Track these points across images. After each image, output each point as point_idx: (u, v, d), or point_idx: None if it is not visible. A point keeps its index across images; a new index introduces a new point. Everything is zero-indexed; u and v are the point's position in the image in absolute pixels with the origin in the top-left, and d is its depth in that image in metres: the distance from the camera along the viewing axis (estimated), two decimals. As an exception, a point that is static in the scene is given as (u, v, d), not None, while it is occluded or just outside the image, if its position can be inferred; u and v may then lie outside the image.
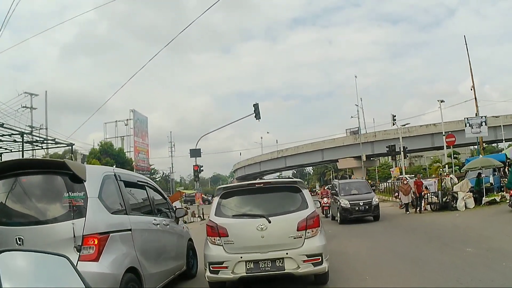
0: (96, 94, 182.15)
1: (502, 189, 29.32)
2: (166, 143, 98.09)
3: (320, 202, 33.07)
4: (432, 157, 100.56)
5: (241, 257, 9.22)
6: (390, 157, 62.13)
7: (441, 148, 58.08)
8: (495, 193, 28.63)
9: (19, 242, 6.80)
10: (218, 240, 9.48)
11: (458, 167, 48.75)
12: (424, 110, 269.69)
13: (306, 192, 10.13)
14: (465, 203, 27.13)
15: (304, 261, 9.19)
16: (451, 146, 41.41)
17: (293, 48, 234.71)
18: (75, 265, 3.04)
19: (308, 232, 9.41)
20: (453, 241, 15.20)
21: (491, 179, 30.42)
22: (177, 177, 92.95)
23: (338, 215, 26.77)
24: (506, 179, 29.72)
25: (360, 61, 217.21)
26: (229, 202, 10.05)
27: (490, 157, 33.24)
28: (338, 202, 26.81)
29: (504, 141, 63.43)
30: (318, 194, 41.04)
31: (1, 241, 6.77)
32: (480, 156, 35.94)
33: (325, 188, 37.50)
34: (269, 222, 9.27)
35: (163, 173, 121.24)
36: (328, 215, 32.17)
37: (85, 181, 7.40)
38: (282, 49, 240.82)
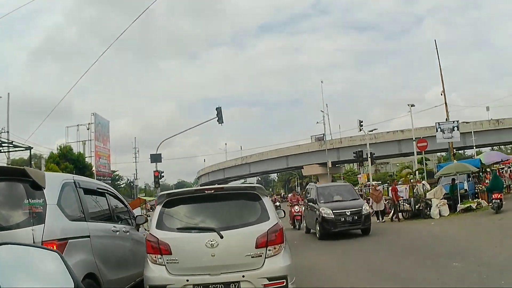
0: (63, 99, 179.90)
1: (477, 195, 28.64)
2: (131, 149, 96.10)
3: (289, 212, 30.50)
4: (398, 164, 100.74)
5: (187, 280, 7.64)
6: (356, 164, 61.72)
7: (408, 154, 57.92)
8: (470, 199, 27.64)
9: None
10: (160, 258, 7.86)
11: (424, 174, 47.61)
12: (390, 118, 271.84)
13: (267, 201, 8.55)
14: (439, 210, 26.23)
15: (265, 285, 7.62)
16: (423, 152, 40.55)
17: (259, 55, 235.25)
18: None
19: (269, 250, 7.84)
20: (436, 254, 13.84)
21: (466, 185, 29.31)
22: (142, 183, 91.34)
23: (317, 227, 22.14)
24: (482, 185, 29.06)
25: (326, 69, 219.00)
26: (174, 212, 8.42)
27: (464, 162, 32.16)
28: (317, 212, 21.96)
29: (474, 147, 63.10)
30: (288, 201, 36.45)
31: None
32: (454, 161, 34.96)
33: (296, 194, 34.71)
34: (221, 237, 7.65)
35: (128, 179, 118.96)
36: (299, 227, 28.76)
37: (44, 188, 7.46)
38: (248, 56, 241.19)
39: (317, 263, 14.45)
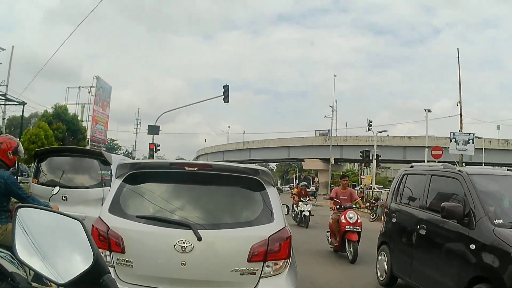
0: (72, 63, 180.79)
1: None
2: (134, 120, 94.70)
3: (293, 208, 25.10)
4: (399, 170, 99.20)
5: None
6: (357, 164, 60.10)
7: (412, 162, 56.20)
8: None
9: (64, 199, 10.16)
10: (108, 256, 5.29)
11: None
12: (395, 123, 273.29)
13: (272, 193, 5.77)
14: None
15: None
16: (436, 161, 38.64)
17: (274, 44, 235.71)
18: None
19: (268, 266, 5.27)
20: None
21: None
22: (140, 155, 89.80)
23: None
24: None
25: (338, 66, 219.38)
26: (137, 193, 5.80)
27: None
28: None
29: (483, 164, 61.29)
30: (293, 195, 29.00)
31: (53, 198, 8.81)
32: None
33: (301, 186, 26.84)
34: (199, 238, 5.05)
35: (127, 149, 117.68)
36: (307, 225, 23.63)
37: (111, 164, 10.75)
38: (263, 43, 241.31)
39: None
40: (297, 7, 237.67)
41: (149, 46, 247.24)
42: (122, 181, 5.82)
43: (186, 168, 5.76)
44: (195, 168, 5.79)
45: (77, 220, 2.71)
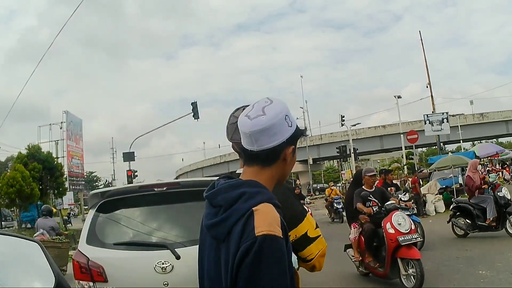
0: (40, 101, 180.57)
1: None
2: (109, 149, 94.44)
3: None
4: (379, 161, 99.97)
5: None
6: (336, 161, 60.51)
7: (390, 150, 56.91)
8: (466, 194, 25.54)
9: None
10: (92, 287, 5.26)
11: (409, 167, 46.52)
12: (366, 114, 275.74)
13: None
14: (434, 206, 24.46)
15: None
16: (413, 145, 38.86)
17: (236, 54, 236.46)
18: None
19: None
20: (454, 259, 11.74)
21: (460, 179, 27.41)
22: (120, 184, 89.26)
23: None
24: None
25: (303, 67, 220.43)
26: (111, 220, 5.89)
27: (459, 155, 30.55)
28: None
29: (461, 141, 61.88)
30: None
31: None
32: (449, 153, 33.21)
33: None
34: (177, 257, 5.17)
35: (106, 180, 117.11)
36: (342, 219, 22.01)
37: None
38: (225, 55, 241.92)
39: None
40: (253, 15, 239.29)
41: (113, 73, 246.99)
42: (96, 210, 5.85)
43: (156, 189, 5.86)
44: (164, 188, 5.87)
45: (35, 242, 2.99)
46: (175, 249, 5.20)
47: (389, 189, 14.74)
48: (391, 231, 9.30)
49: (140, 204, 5.99)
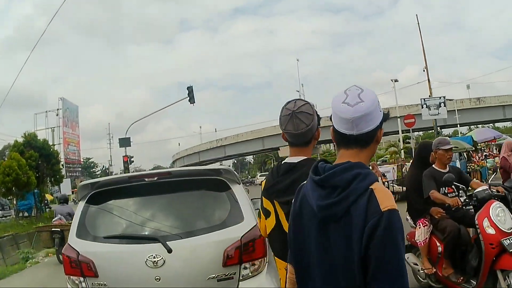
0: (37, 89, 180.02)
1: (469, 175, 25.57)
2: (106, 135, 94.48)
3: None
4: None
5: None
6: (333, 144, 60.61)
7: (388, 133, 56.76)
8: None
9: None
10: (83, 282, 5.11)
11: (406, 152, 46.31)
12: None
13: (239, 191, 5.52)
14: (432, 193, 23.76)
15: None
16: (410, 129, 38.72)
17: (233, 38, 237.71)
18: None
19: (245, 268, 5.12)
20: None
21: (458, 164, 26.75)
22: (118, 170, 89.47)
23: None
24: (474, 164, 27.64)
25: (301, 51, 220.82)
26: (102, 212, 5.61)
27: (457, 139, 30.37)
28: None
29: (458, 125, 61.78)
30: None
31: None
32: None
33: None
34: (169, 251, 4.88)
35: (103, 166, 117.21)
36: None
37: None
38: (222, 39, 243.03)
39: None
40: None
41: (111, 59, 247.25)
42: (85, 202, 5.59)
43: (146, 179, 5.57)
44: (155, 178, 5.57)
45: None
46: (167, 242, 4.96)
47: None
48: (491, 231, 6.27)
49: (130, 195, 5.70)
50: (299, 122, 3.38)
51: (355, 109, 2.22)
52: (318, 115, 3.54)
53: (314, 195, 2.27)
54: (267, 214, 3.72)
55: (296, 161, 3.47)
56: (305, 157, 3.50)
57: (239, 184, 5.69)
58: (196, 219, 5.44)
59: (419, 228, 7.48)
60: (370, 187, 2.13)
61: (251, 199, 5.94)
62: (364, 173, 2.17)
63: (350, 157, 2.28)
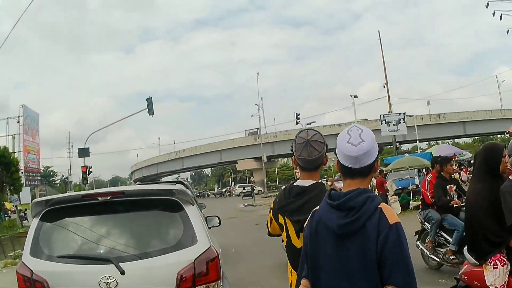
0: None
1: None
2: (66, 144, 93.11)
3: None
4: (333, 159, 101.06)
5: None
6: (290, 158, 61.18)
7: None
8: (422, 197, 26.07)
9: None
10: None
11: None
12: (323, 112, 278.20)
13: (192, 212, 5.46)
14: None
15: None
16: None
17: (195, 49, 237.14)
18: None
19: None
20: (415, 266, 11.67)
21: (417, 181, 28.23)
22: (77, 179, 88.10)
23: None
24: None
25: (261, 64, 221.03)
26: (55, 230, 5.50)
27: (416, 156, 31.29)
28: None
29: (417, 141, 63.01)
30: None
31: None
32: (406, 155, 34.07)
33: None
34: (122, 272, 4.85)
35: (63, 175, 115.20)
36: None
37: None
38: (184, 49, 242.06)
39: None
40: (213, 10, 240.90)
41: (73, 66, 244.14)
42: (39, 219, 5.46)
43: (100, 198, 5.43)
44: (108, 197, 5.42)
45: None
46: (120, 264, 4.91)
47: (448, 187, 10.50)
48: None
49: (84, 214, 5.55)
50: (313, 150, 3.78)
51: (358, 148, 2.81)
52: (326, 144, 3.94)
53: (333, 216, 2.85)
54: (282, 228, 4.08)
55: (307, 185, 3.89)
56: (315, 182, 3.94)
57: (193, 204, 5.62)
58: (149, 240, 5.37)
59: (496, 268, 5.33)
60: (379, 206, 2.75)
61: (206, 217, 6.37)
62: (372, 196, 2.80)
63: (357, 185, 2.89)
